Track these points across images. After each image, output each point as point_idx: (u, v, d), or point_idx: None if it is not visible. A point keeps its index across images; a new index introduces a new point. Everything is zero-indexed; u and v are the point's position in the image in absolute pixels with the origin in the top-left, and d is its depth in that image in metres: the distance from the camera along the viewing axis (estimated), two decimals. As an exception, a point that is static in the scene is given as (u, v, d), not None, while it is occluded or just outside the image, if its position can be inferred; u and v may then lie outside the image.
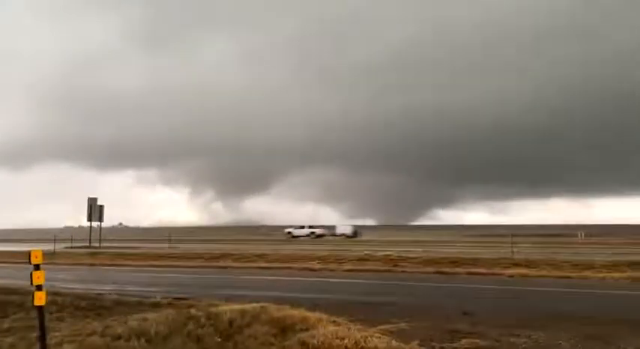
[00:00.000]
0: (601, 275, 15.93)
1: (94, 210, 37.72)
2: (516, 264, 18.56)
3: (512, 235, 25.02)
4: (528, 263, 18.65)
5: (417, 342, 6.65)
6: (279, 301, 9.33)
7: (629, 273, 15.97)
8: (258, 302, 9.15)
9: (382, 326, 7.83)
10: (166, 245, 37.91)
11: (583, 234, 55.38)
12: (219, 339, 6.46)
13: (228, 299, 10.35)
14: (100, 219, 38.66)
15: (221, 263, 21.88)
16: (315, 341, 6.24)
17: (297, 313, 7.94)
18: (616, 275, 15.83)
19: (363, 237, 55.30)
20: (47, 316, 6.23)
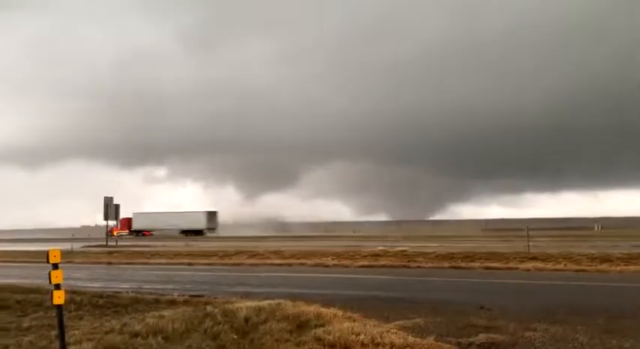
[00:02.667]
0: (618, 268, 15.73)
1: (111, 209, 38.14)
2: (533, 258, 18.40)
3: (529, 228, 24.75)
4: (545, 257, 18.48)
5: (433, 337, 6.62)
6: (293, 298, 9.35)
7: (648, 266, 15.74)
8: (273, 299, 9.17)
9: (398, 322, 7.82)
10: (182, 243, 38.24)
11: (600, 227, 54.74)
12: (235, 336, 6.49)
13: (244, 296, 10.41)
14: (117, 218, 39.11)
15: (235, 261, 22.00)
16: (331, 337, 6.24)
17: (312, 309, 7.95)
18: (633, 268, 15.62)
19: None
20: (66, 314, 6.32)
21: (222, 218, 68.66)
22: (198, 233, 62.57)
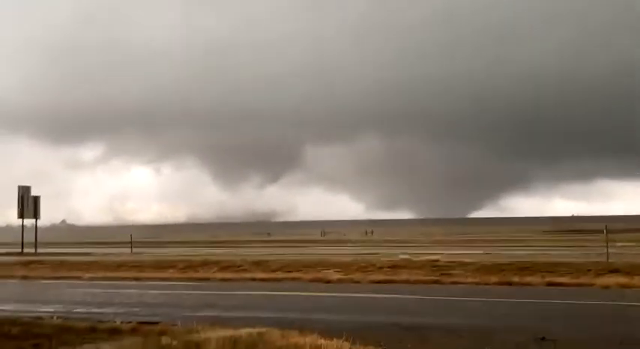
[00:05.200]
0: None
1: (27, 202, 38.02)
2: (613, 270, 18.43)
3: (608, 229, 24.76)
4: (629, 269, 18.50)
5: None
6: (282, 324, 9.36)
7: None
8: (254, 326, 9.17)
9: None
10: (127, 250, 38.20)
11: None
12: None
13: (213, 322, 10.39)
14: (36, 216, 39.01)
15: (201, 274, 22.01)
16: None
17: (308, 340, 7.95)
18: None
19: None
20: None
21: (195, 212, 66.42)
22: None
